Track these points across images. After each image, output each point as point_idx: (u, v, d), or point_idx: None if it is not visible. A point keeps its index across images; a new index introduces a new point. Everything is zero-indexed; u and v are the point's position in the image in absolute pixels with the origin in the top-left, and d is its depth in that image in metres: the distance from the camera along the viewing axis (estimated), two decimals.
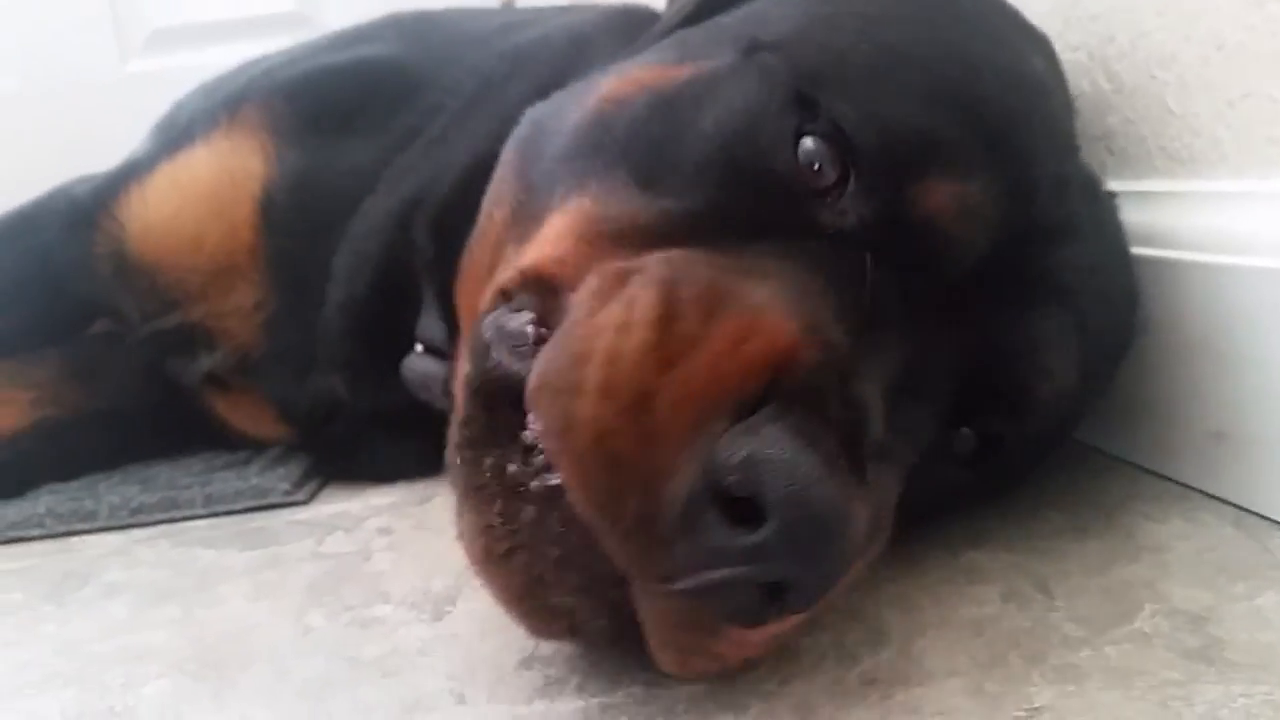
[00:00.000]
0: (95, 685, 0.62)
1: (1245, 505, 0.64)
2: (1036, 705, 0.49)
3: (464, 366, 0.58)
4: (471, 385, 0.55)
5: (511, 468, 0.50)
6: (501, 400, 0.52)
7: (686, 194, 0.57)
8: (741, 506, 0.43)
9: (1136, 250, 0.67)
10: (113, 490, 0.92)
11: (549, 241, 0.61)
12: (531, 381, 0.48)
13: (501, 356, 0.54)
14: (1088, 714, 0.48)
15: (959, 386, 0.57)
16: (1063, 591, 0.59)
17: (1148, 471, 0.72)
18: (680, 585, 0.44)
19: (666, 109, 0.61)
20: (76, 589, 0.77)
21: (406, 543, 0.79)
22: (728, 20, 0.68)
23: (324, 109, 0.93)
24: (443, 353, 0.83)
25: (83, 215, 0.96)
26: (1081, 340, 0.60)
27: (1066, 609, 0.57)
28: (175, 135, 0.99)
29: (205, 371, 0.95)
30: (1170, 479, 0.69)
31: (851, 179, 0.55)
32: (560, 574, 0.49)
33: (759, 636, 0.48)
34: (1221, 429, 0.64)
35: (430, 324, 0.85)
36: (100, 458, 1.01)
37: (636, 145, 0.61)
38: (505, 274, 0.62)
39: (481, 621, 0.64)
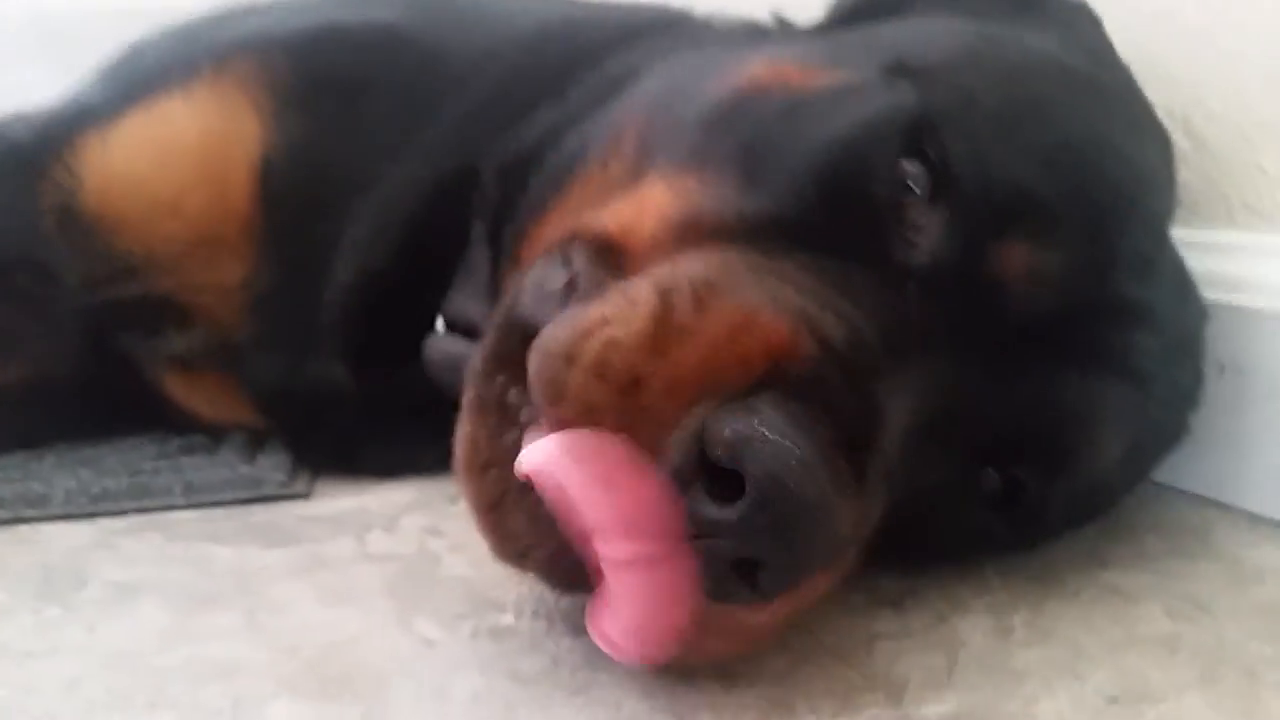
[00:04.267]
0: (192, 707, 0.52)
1: None
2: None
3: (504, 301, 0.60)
4: (499, 320, 0.57)
5: (513, 393, 0.53)
6: (521, 336, 0.53)
7: (783, 197, 0.56)
8: (724, 484, 0.44)
9: (1216, 296, 0.72)
10: (62, 473, 0.78)
11: (640, 209, 0.60)
12: (535, 345, 0.50)
13: (529, 304, 0.56)
14: None
15: (1000, 433, 0.58)
16: (1219, 607, 0.62)
17: (1223, 506, 0.77)
18: None
19: (798, 110, 0.60)
20: (75, 589, 0.65)
21: (471, 545, 0.70)
22: (884, 32, 0.68)
23: (333, 72, 0.84)
24: (476, 332, 0.76)
25: (27, 162, 0.82)
26: (1136, 421, 0.61)
27: (1237, 625, 0.60)
28: (140, 81, 0.86)
29: (176, 351, 0.82)
30: (1251, 513, 0.75)
31: (939, 218, 0.55)
32: (521, 498, 0.50)
33: (724, 616, 0.48)
34: None
35: (464, 299, 0.78)
36: (10, 435, 0.85)
37: (759, 140, 0.60)
38: (587, 223, 0.62)
39: None
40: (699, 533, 0.45)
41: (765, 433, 0.43)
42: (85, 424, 0.88)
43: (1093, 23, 0.73)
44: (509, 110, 0.81)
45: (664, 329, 0.48)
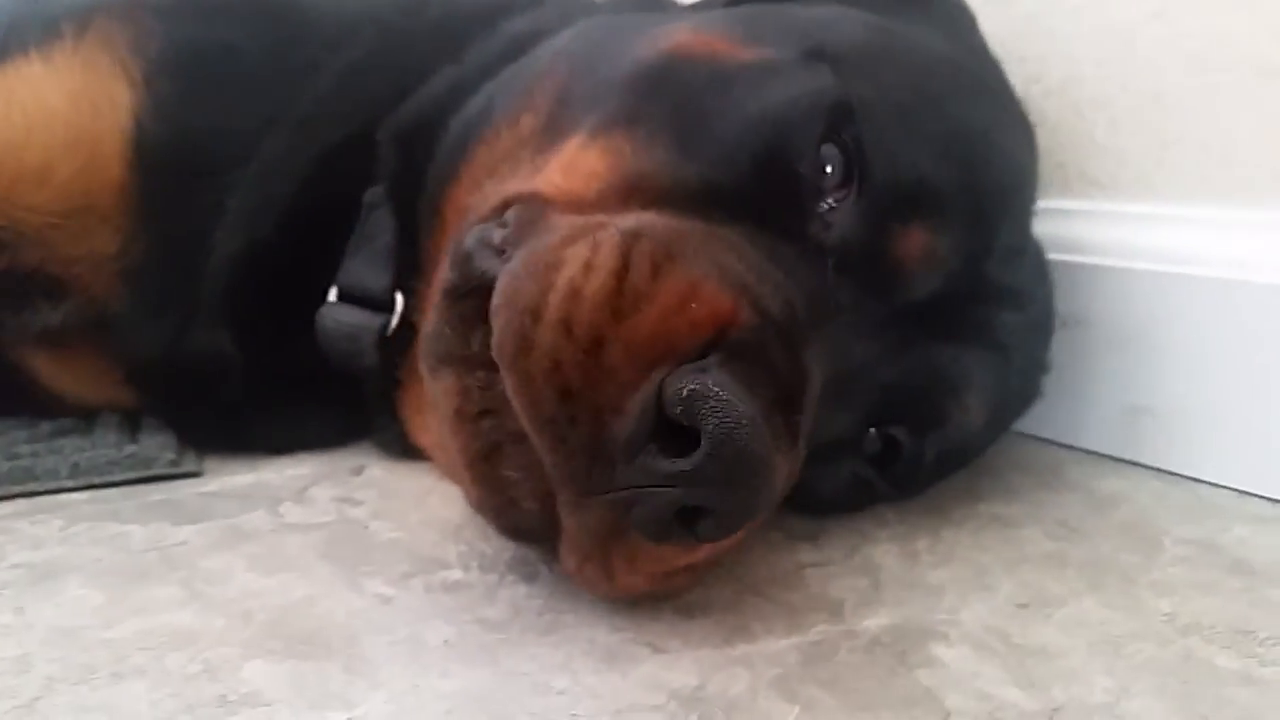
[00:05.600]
0: (162, 674, 0.51)
1: (1159, 466, 0.80)
2: (1167, 612, 0.60)
3: (447, 265, 0.60)
4: (455, 281, 0.58)
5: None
6: (479, 290, 0.55)
7: (716, 167, 0.60)
8: (679, 439, 0.48)
9: (1057, 257, 0.81)
10: None
11: (573, 171, 0.63)
12: (495, 295, 0.53)
13: (485, 263, 0.57)
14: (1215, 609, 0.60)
15: (885, 397, 0.64)
16: (1088, 529, 0.71)
17: (1060, 444, 0.86)
18: (609, 495, 0.50)
19: (726, 83, 0.64)
20: None
21: (392, 511, 0.72)
22: (799, 14, 0.72)
23: (203, 35, 0.81)
24: (374, 301, 0.77)
25: None
26: (999, 389, 0.69)
27: (1106, 542, 0.69)
28: None
29: (46, 325, 0.78)
30: (1090, 451, 0.85)
31: (851, 196, 0.61)
32: (517, 446, 0.53)
33: (654, 558, 0.53)
34: (1140, 404, 0.80)
35: (360, 268, 0.78)
36: None
37: (689, 107, 0.63)
38: (516, 188, 0.64)
39: None
40: (653, 483, 0.48)
41: (718, 392, 0.47)
42: None
43: (969, 19, 0.80)
44: (392, 73, 0.81)
45: (625, 291, 0.50)
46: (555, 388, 0.49)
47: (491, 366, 0.52)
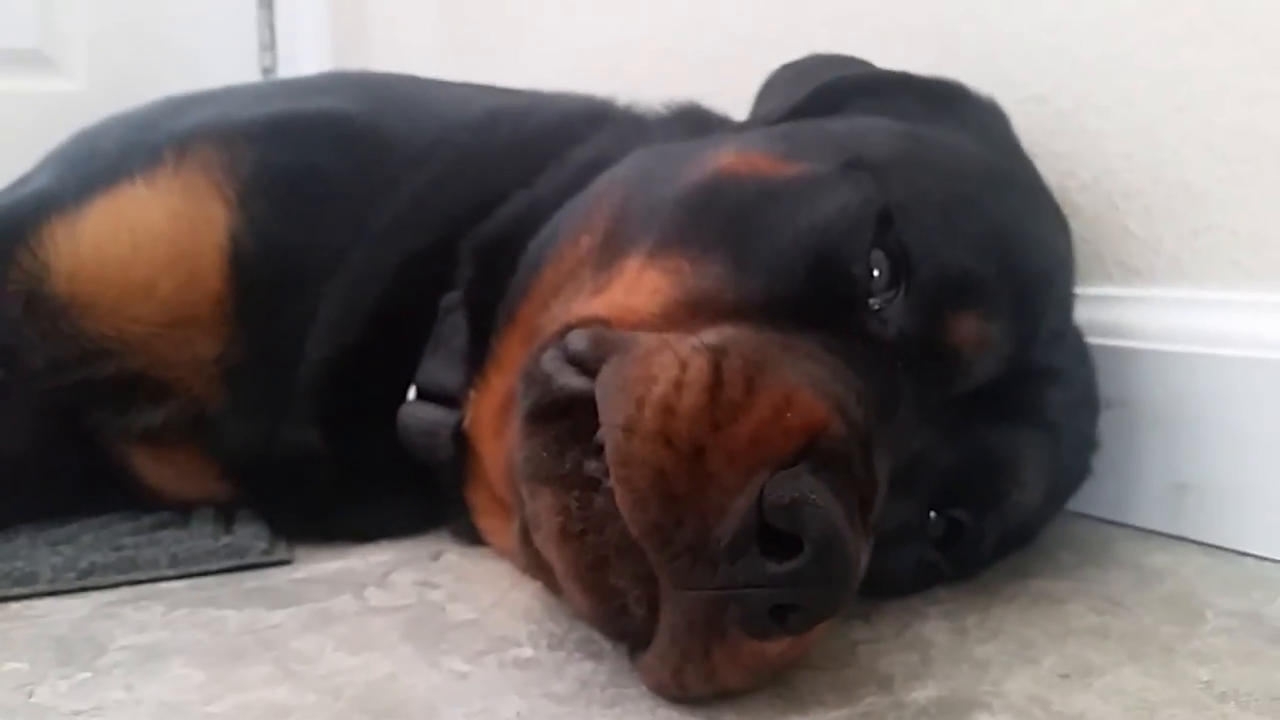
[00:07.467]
0: None
1: (1205, 540, 0.82)
2: (1205, 680, 0.62)
3: (521, 390, 0.63)
4: (536, 403, 0.61)
5: (590, 464, 0.57)
6: (575, 409, 0.59)
7: (772, 279, 0.65)
8: (774, 540, 0.51)
9: (1100, 342, 0.84)
10: (41, 551, 0.80)
11: (636, 290, 0.67)
12: (601, 415, 0.56)
13: (568, 380, 0.61)
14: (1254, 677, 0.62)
15: (944, 481, 0.68)
16: (1132, 602, 0.73)
17: (1108, 522, 0.89)
18: (711, 592, 0.52)
19: (773, 198, 0.69)
20: (95, 655, 0.67)
21: (467, 594, 0.76)
22: (834, 129, 0.78)
23: (292, 157, 0.89)
24: (449, 399, 0.82)
25: None
26: (1053, 466, 0.73)
27: (1149, 615, 0.71)
28: (100, 169, 0.88)
29: (148, 426, 0.85)
30: (1138, 527, 0.87)
31: (901, 294, 0.65)
32: (620, 559, 0.56)
33: (754, 653, 0.56)
34: (1183, 481, 0.82)
35: (437, 368, 0.84)
36: None
37: (741, 224, 0.68)
38: (579, 311, 0.68)
39: None
40: (753, 584, 0.52)
41: (815, 500, 0.51)
42: (46, 504, 0.90)
43: (1001, 120, 0.85)
44: (466, 189, 0.88)
45: (723, 402, 0.54)
46: (661, 496, 0.52)
47: (588, 484, 0.56)
